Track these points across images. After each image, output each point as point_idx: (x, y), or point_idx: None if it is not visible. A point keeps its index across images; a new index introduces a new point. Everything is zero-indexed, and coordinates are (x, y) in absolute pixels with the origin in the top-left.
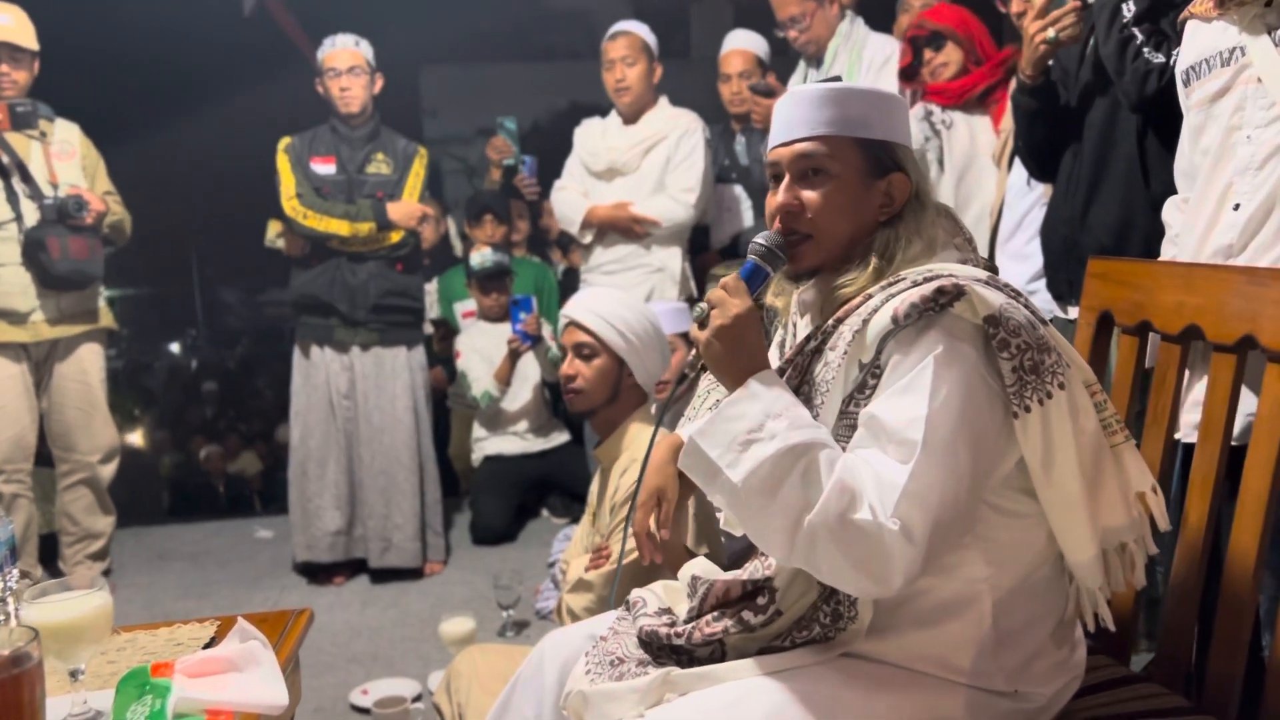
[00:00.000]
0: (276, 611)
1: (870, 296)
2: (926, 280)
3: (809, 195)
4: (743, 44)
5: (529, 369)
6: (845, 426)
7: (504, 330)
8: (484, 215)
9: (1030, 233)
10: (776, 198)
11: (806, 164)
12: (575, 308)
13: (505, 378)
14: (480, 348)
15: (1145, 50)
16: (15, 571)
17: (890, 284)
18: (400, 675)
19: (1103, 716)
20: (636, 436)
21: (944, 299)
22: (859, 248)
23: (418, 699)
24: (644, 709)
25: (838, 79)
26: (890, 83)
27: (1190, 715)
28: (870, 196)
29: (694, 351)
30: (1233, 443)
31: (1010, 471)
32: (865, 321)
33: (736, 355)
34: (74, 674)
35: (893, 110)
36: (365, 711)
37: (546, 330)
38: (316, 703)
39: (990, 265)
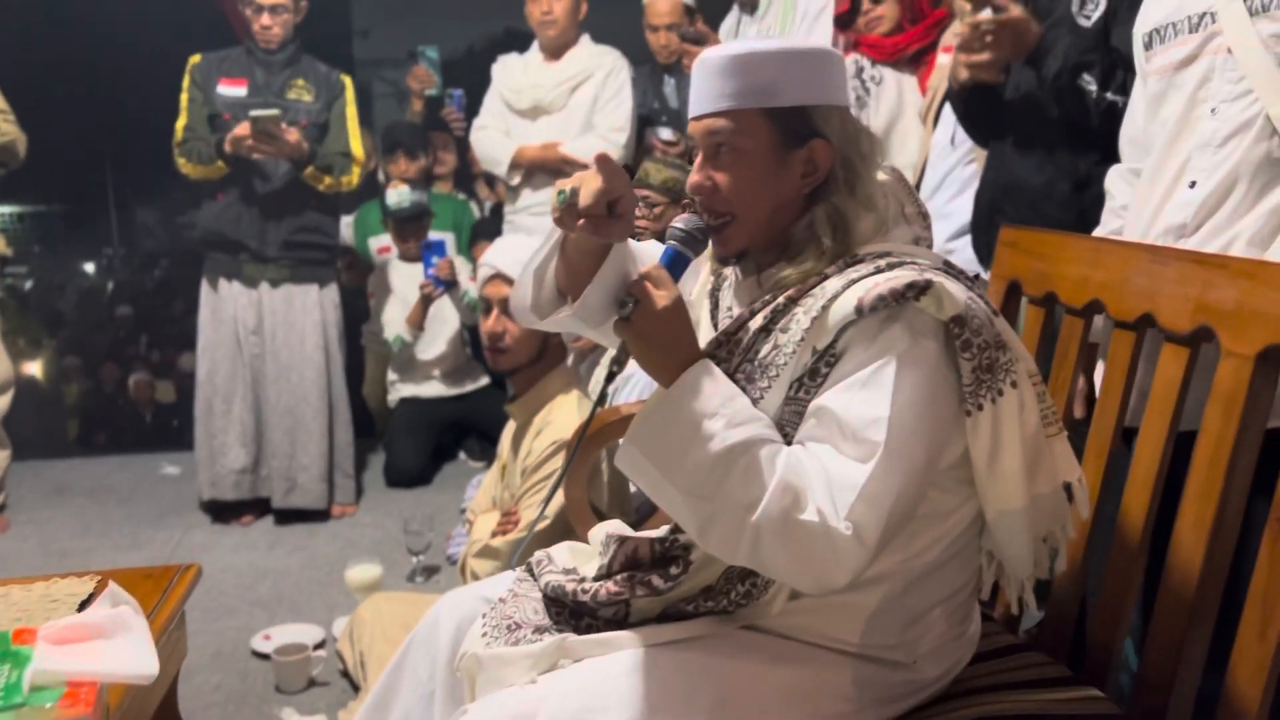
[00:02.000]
0: (161, 566)
1: (826, 277)
2: (891, 267)
3: (720, 175)
4: None
5: (446, 313)
6: (792, 413)
7: (420, 272)
8: (395, 150)
9: (952, 191)
10: (693, 176)
11: (714, 141)
12: (500, 257)
13: (418, 322)
14: (397, 288)
15: (1102, 94)
16: None
17: (848, 264)
18: (305, 620)
19: (988, 686)
20: (555, 400)
21: (912, 293)
22: (790, 223)
23: (320, 645)
24: (537, 674)
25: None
26: (825, 34)
27: (1071, 685)
28: (788, 169)
29: (620, 345)
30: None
31: (954, 462)
32: (824, 308)
33: (664, 348)
34: None
35: (812, 70)
36: (265, 657)
37: (464, 274)
38: (216, 647)
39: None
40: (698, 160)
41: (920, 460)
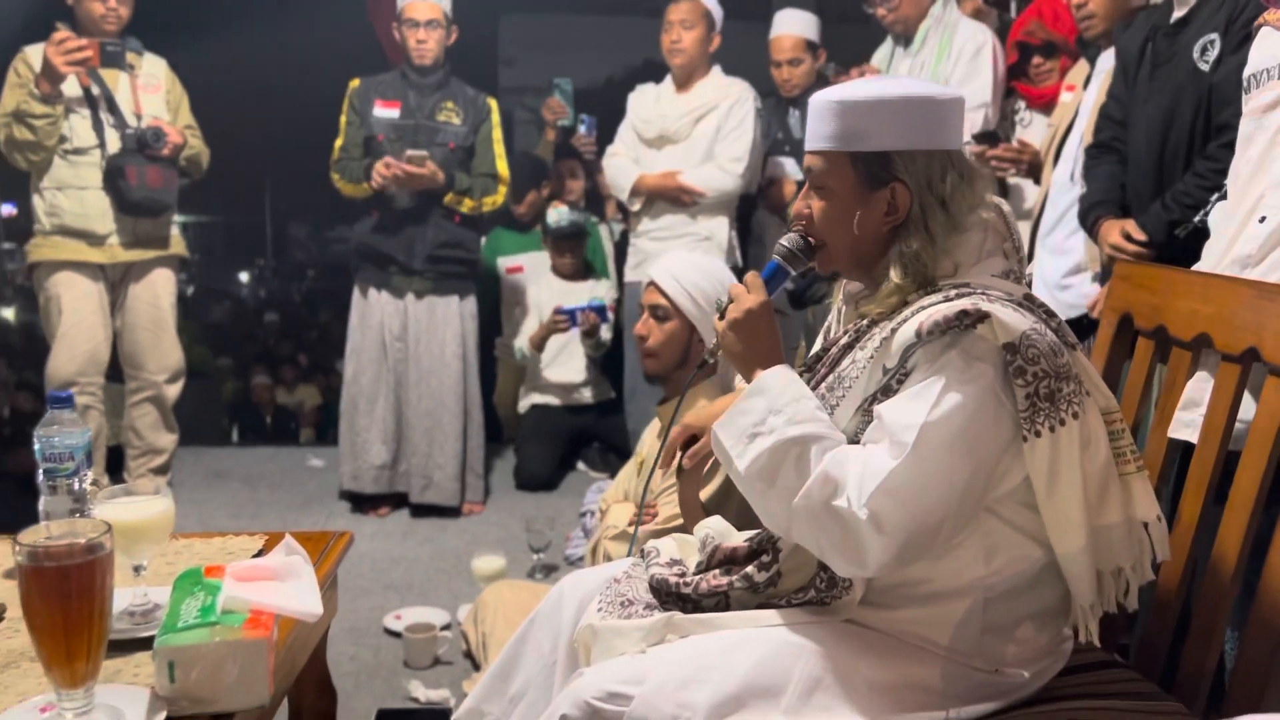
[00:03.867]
0: (320, 531)
1: (906, 304)
2: (959, 297)
3: (816, 206)
4: (790, 27)
5: (576, 345)
6: (864, 423)
7: (572, 289)
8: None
9: (1071, 228)
10: (797, 203)
11: (812, 176)
12: (656, 269)
13: (539, 344)
14: (543, 303)
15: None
16: (89, 474)
17: (927, 293)
18: (431, 605)
19: (1076, 694)
20: (701, 404)
21: (967, 320)
22: (877, 256)
23: (446, 628)
24: (646, 646)
25: (896, 75)
26: (985, 70)
27: (1157, 699)
28: (871, 208)
29: (714, 340)
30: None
31: (1018, 486)
32: (894, 330)
33: (750, 347)
34: (137, 569)
35: (905, 118)
36: (396, 635)
37: (605, 331)
38: (352, 623)
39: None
40: (804, 189)
41: (959, 471)
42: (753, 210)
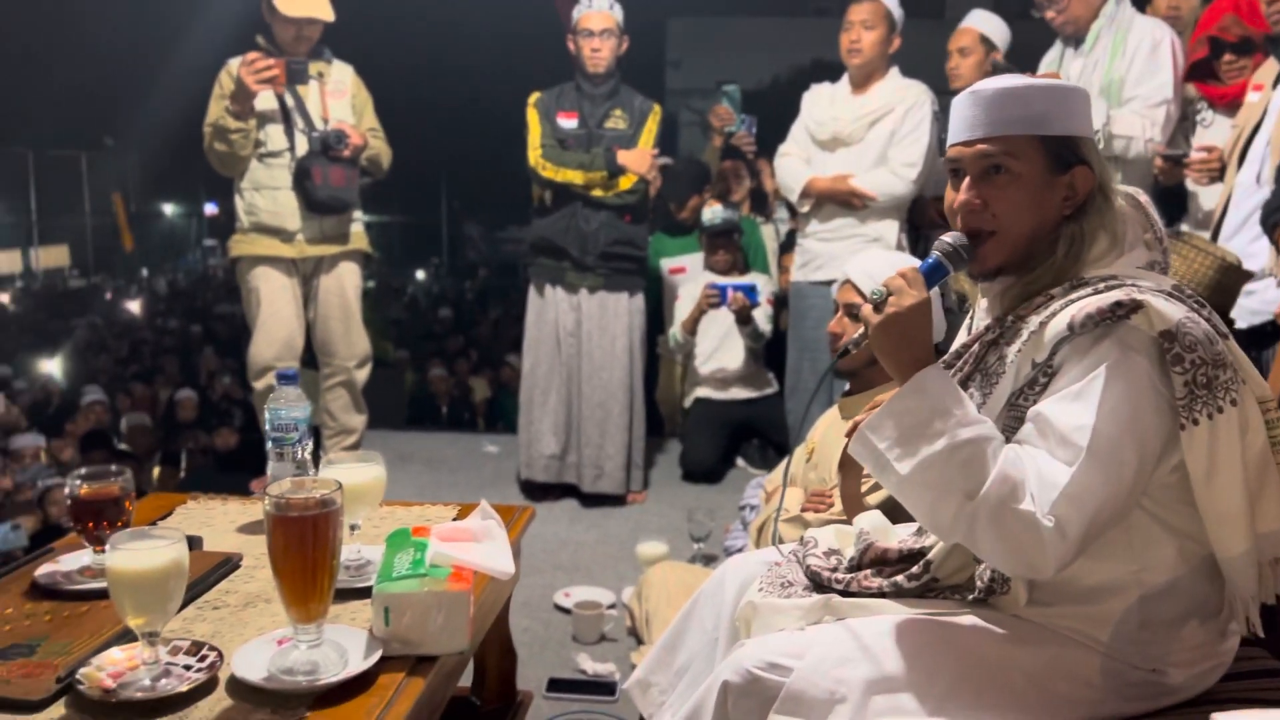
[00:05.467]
0: (506, 505)
1: (1052, 298)
2: (1109, 289)
3: (991, 193)
4: (973, 20)
5: (739, 339)
6: (1012, 419)
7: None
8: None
9: (1255, 232)
10: (958, 195)
11: (988, 162)
12: (852, 267)
13: (690, 327)
14: (696, 296)
15: None
16: (309, 444)
17: (1074, 287)
18: (597, 585)
19: (1230, 699)
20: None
21: (1121, 311)
22: (1043, 244)
23: (611, 607)
24: (804, 625)
25: (1061, 75)
26: (1164, 68)
27: None
28: (1053, 192)
29: (861, 330)
30: None
31: (1170, 480)
32: (1043, 324)
33: (905, 345)
34: (352, 528)
35: (1075, 105)
36: (565, 611)
37: (760, 314)
38: (525, 598)
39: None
40: (966, 181)
41: (1128, 466)
42: (924, 212)
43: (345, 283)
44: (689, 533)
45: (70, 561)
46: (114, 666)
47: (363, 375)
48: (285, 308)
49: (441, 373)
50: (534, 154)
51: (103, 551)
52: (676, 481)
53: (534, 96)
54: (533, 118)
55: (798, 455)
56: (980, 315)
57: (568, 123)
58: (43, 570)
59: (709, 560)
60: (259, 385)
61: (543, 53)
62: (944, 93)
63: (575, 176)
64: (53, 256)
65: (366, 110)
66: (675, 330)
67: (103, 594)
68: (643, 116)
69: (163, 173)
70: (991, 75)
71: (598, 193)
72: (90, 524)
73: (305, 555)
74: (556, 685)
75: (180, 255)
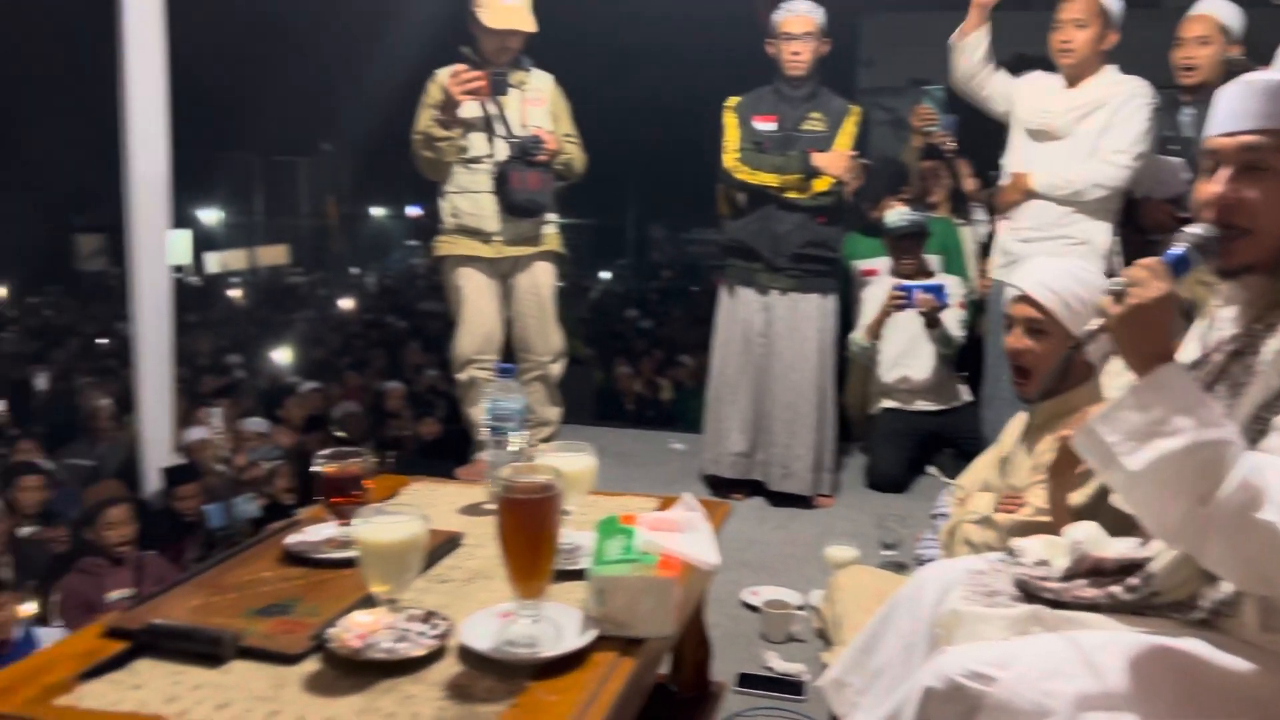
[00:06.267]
0: (704, 499)
1: None
2: None
3: (1250, 190)
4: (1208, 6)
5: (926, 345)
6: (1256, 431)
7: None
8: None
9: None
10: (1212, 188)
11: (1251, 157)
12: (1026, 279)
13: (875, 331)
14: (880, 300)
15: None
16: (526, 433)
17: None
18: (784, 585)
19: None
20: (1081, 411)
21: None
22: None
23: (800, 608)
24: (1010, 635)
25: None
26: None
27: None
28: None
29: (1097, 322)
30: None
31: None
32: None
33: (1146, 339)
34: (564, 513)
35: None
36: (752, 609)
37: (955, 296)
38: (713, 593)
39: None
40: (1222, 174)
41: None
42: (1152, 214)
43: (540, 281)
44: (879, 539)
45: (315, 532)
46: (359, 628)
47: (558, 370)
48: (486, 305)
49: (627, 371)
50: (730, 157)
51: (345, 525)
52: (864, 487)
53: (731, 100)
54: (730, 121)
55: (988, 458)
56: (1221, 324)
57: (765, 126)
58: (292, 539)
59: (900, 568)
60: (462, 377)
61: (733, 57)
62: (1165, 86)
63: (770, 179)
64: (273, 255)
65: (563, 117)
66: (857, 334)
67: (344, 563)
68: (841, 118)
69: (371, 177)
70: (1230, 69)
71: (792, 194)
72: (334, 499)
73: (529, 535)
74: (746, 681)
75: (385, 254)
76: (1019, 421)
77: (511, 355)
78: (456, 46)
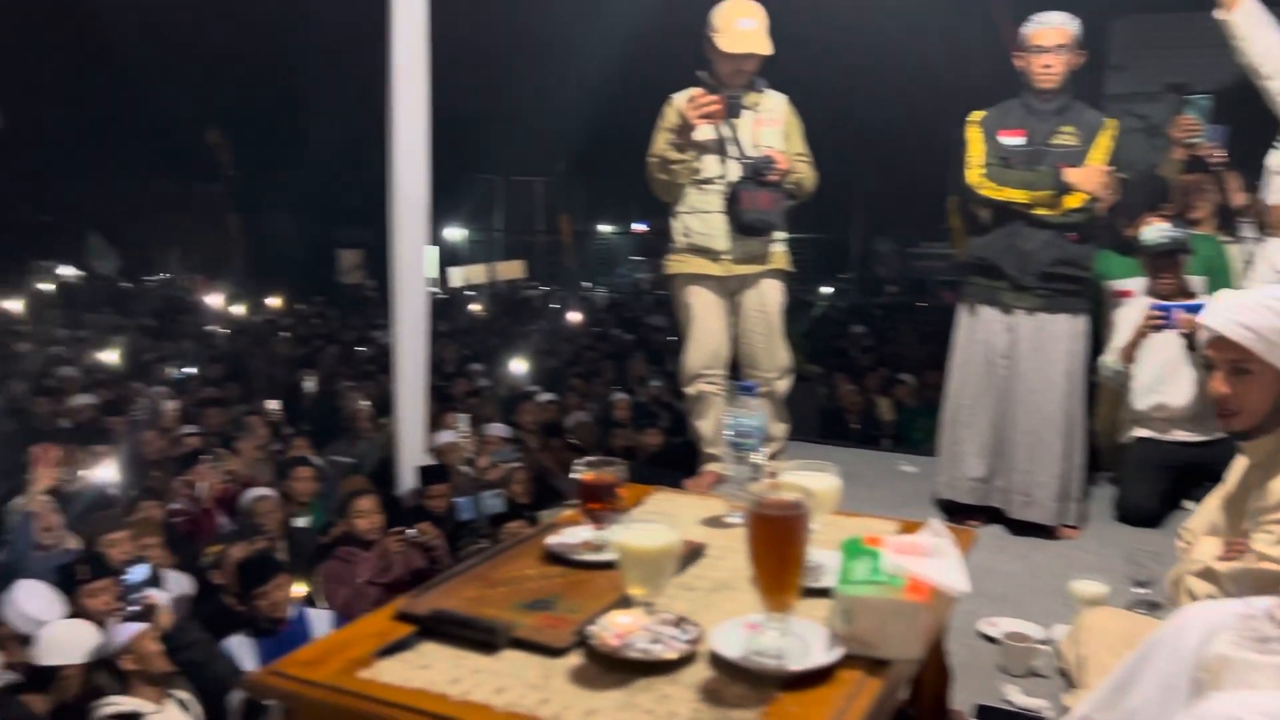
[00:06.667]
0: (949, 525)
1: None
2: None
3: None
4: None
5: (1186, 369)
6: None
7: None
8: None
9: None
10: None
11: None
12: (1217, 319)
13: (1129, 355)
14: (1134, 323)
15: None
16: (764, 451)
17: None
18: (1024, 618)
19: None
20: None
21: None
22: None
23: (1042, 642)
24: None
25: None
26: None
27: None
28: None
29: None
30: None
31: None
32: None
33: None
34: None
35: None
36: (989, 640)
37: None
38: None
39: None
40: None
41: None
42: None
43: (767, 299)
44: (1129, 576)
45: (571, 535)
46: (617, 628)
47: (783, 386)
48: (714, 322)
49: (851, 389)
50: (973, 173)
51: (599, 529)
52: (1113, 520)
53: (975, 115)
54: (974, 135)
55: (1216, 499)
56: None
57: (1013, 140)
58: (552, 540)
59: (1152, 607)
60: (690, 391)
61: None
62: None
63: (1018, 195)
64: (511, 270)
65: (796, 136)
66: (1108, 358)
67: (599, 565)
68: (1095, 132)
69: (601, 195)
70: None
71: (1041, 211)
72: (590, 504)
73: (780, 551)
74: (985, 713)
75: (612, 269)
76: (1241, 461)
77: (738, 371)
78: (693, 71)
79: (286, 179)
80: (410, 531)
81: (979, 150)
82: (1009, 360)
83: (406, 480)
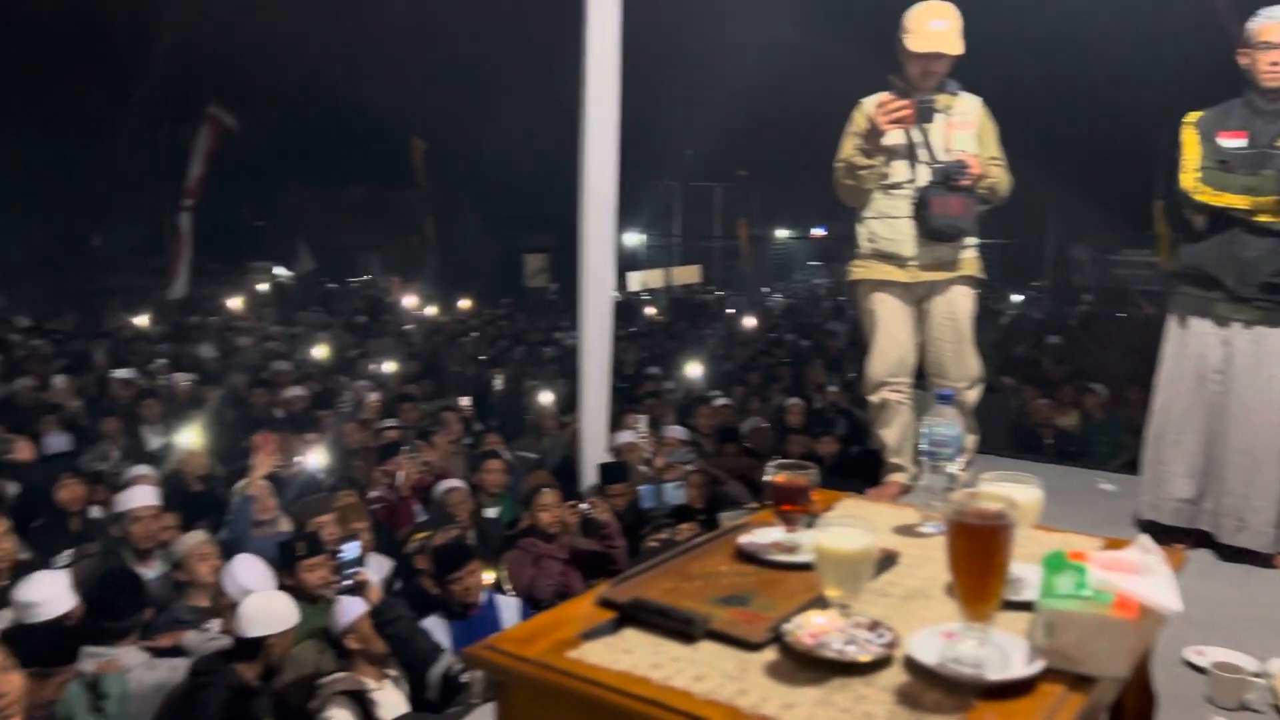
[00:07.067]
0: (1165, 546)
1: None
2: None
3: None
4: None
5: None
6: None
7: None
8: None
9: None
10: None
11: None
12: None
13: None
14: None
15: None
16: (961, 460)
17: None
18: (1235, 649)
19: None
20: None
21: None
22: None
23: (1258, 675)
24: None
25: None
26: None
27: None
28: None
29: None
30: None
31: None
32: None
33: None
34: None
35: None
36: (1196, 669)
37: None
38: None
39: None
40: None
41: None
42: None
43: (957, 306)
44: None
45: (763, 535)
46: (812, 627)
47: (973, 396)
48: (899, 330)
49: (1045, 402)
50: (1189, 177)
51: (791, 531)
52: None
53: (1191, 116)
54: (1190, 138)
55: None
56: None
57: (1232, 142)
58: (744, 539)
59: None
60: (873, 399)
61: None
62: None
63: (1239, 201)
64: (687, 274)
65: (989, 139)
66: None
67: (791, 566)
68: None
69: (779, 200)
70: None
71: (1265, 218)
72: (783, 506)
73: (982, 561)
74: None
75: (789, 274)
76: None
77: (924, 380)
78: (884, 75)
79: (477, 186)
80: (583, 506)
81: (1195, 153)
82: (1223, 376)
83: (588, 477)
